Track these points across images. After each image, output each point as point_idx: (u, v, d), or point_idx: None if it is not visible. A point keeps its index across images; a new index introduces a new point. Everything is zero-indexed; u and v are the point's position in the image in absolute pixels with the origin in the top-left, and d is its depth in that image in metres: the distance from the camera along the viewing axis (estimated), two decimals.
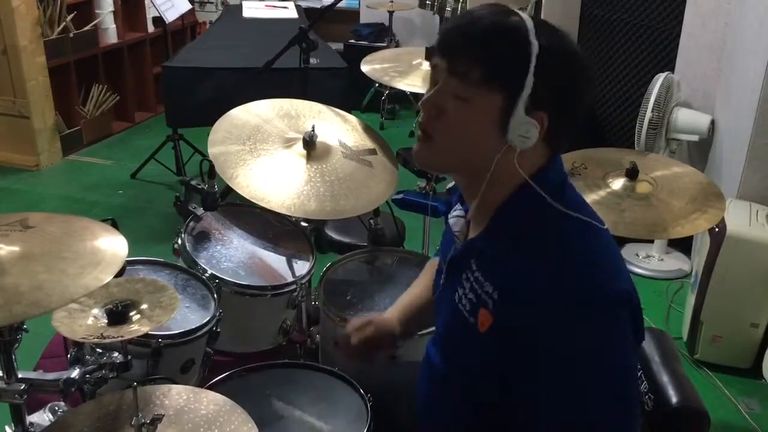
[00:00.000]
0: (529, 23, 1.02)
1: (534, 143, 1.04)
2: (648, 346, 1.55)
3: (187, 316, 1.68)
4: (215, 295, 1.73)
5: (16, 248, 1.24)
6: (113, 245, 1.30)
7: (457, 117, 1.05)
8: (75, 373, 1.35)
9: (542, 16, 4.09)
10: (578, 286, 1.01)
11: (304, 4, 5.42)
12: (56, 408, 1.60)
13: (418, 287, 1.56)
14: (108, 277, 1.21)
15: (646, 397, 1.45)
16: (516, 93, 1.01)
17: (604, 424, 1.03)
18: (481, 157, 1.06)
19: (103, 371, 1.41)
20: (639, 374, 1.50)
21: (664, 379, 1.43)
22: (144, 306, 1.43)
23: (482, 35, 1.02)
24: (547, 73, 1.01)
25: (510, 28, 1.02)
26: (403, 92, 4.86)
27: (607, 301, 1.02)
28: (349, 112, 2.16)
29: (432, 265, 1.58)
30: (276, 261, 1.97)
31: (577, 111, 1.07)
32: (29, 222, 1.33)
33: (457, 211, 1.24)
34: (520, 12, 1.05)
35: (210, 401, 1.28)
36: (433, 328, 1.71)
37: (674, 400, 1.37)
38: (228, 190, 2.00)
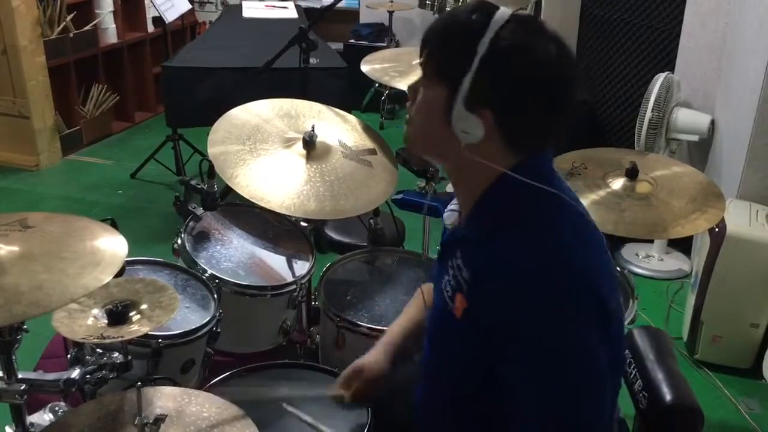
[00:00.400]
0: (495, 23, 1.04)
1: (485, 139, 1.06)
2: (643, 343, 1.55)
3: (187, 316, 1.68)
4: (215, 295, 1.73)
5: (15, 248, 1.24)
6: (113, 245, 1.30)
7: (419, 103, 1.14)
8: (75, 373, 1.35)
9: (542, 16, 4.09)
10: (548, 276, 1.02)
11: (304, 4, 5.42)
12: (56, 408, 1.60)
13: (410, 311, 1.56)
14: (108, 277, 1.21)
15: (640, 395, 1.45)
16: (456, 88, 1.05)
17: (572, 409, 1.04)
18: (440, 145, 1.12)
19: (104, 371, 1.41)
20: (633, 372, 1.50)
21: (659, 376, 1.44)
22: (144, 306, 1.43)
23: (436, 32, 1.11)
24: (494, 73, 1.03)
25: (462, 27, 1.07)
26: (403, 92, 4.81)
27: (577, 292, 1.03)
28: (349, 112, 2.16)
29: (425, 288, 1.57)
30: (276, 261, 1.97)
31: (535, 114, 1.06)
32: (29, 222, 1.33)
33: (452, 205, 1.27)
34: (501, 10, 1.06)
35: (212, 403, 1.29)
36: None
37: (668, 397, 1.38)
38: (228, 190, 2.00)
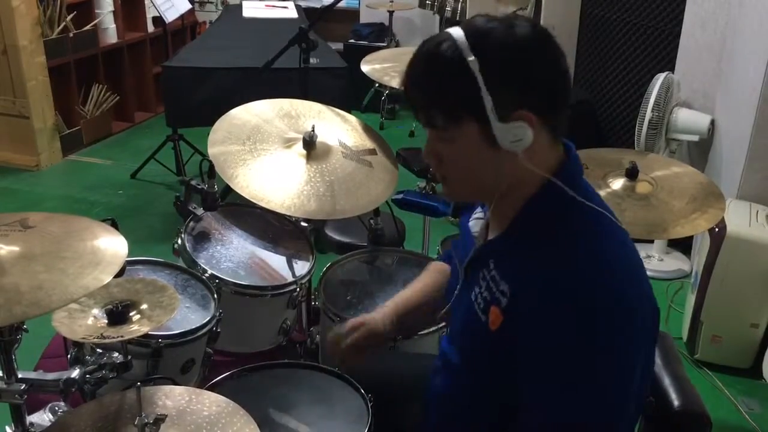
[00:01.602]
0: (461, 41, 1.02)
1: (533, 139, 1.04)
2: None
3: (187, 316, 1.68)
4: (215, 295, 1.73)
5: (16, 248, 1.24)
6: (113, 245, 1.30)
7: (452, 157, 1.10)
8: (75, 373, 1.34)
9: (542, 16, 4.10)
10: (594, 292, 1.00)
11: (304, 4, 5.42)
12: (56, 408, 1.60)
13: (417, 285, 1.56)
14: (108, 278, 1.21)
15: (648, 399, 1.45)
16: (482, 112, 1.02)
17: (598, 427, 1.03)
18: (495, 175, 1.08)
19: (104, 371, 1.40)
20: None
21: (666, 381, 1.43)
22: (144, 306, 1.42)
23: (421, 83, 1.08)
24: (499, 77, 1.02)
25: (441, 61, 1.04)
26: (403, 92, 4.85)
27: (624, 310, 1.01)
28: (349, 112, 2.16)
29: (435, 267, 1.58)
30: (276, 261, 1.97)
31: (551, 84, 1.06)
32: (29, 222, 1.33)
33: (477, 213, 1.25)
34: (450, 31, 1.05)
35: (212, 402, 1.29)
36: (432, 328, 1.73)
37: (676, 403, 1.37)
38: (228, 190, 2.00)
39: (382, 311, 1.50)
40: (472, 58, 1.01)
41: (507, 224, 1.14)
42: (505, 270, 1.10)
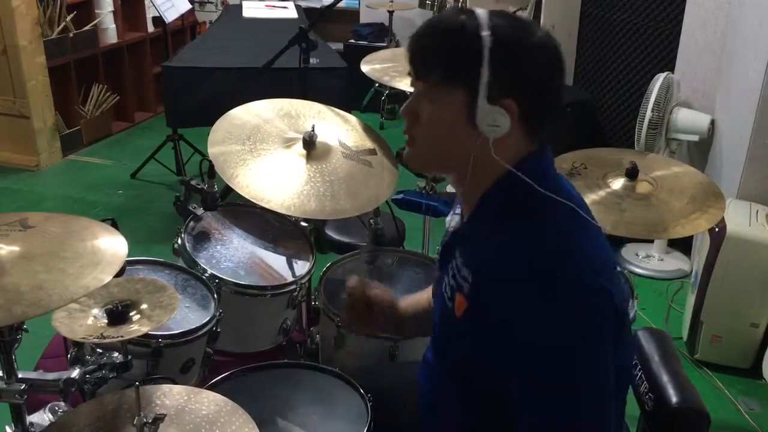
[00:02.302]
0: (482, 18, 1.06)
1: (509, 131, 1.06)
2: (648, 346, 1.55)
3: (187, 316, 1.68)
4: (215, 295, 1.73)
5: (16, 248, 1.24)
6: (113, 245, 1.30)
7: (430, 118, 1.11)
8: (75, 373, 1.35)
9: (542, 16, 4.10)
10: (555, 272, 1.01)
11: (304, 4, 5.42)
12: (56, 408, 1.60)
13: (428, 292, 1.56)
14: (108, 277, 1.21)
15: (646, 397, 1.45)
16: (475, 85, 1.05)
17: (572, 415, 1.03)
18: (461, 152, 1.10)
19: (103, 371, 1.40)
20: (639, 374, 1.50)
21: (664, 379, 1.43)
22: (144, 306, 1.43)
23: (434, 38, 1.10)
24: (503, 61, 1.04)
25: (459, 26, 1.07)
26: (403, 92, 4.84)
27: (586, 290, 1.02)
28: (349, 112, 2.16)
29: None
30: (276, 261, 1.97)
31: (546, 93, 1.09)
32: (29, 222, 1.33)
33: (456, 209, 1.26)
34: (475, 9, 1.09)
35: (211, 401, 1.29)
36: None
37: (674, 400, 1.37)
38: (228, 190, 2.00)
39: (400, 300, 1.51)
40: (486, 33, 1.04)
41: (470, 213, 1.16)
42: (466, 257, 1.12)
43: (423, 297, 1.52)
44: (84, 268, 1.22)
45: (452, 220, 1.26)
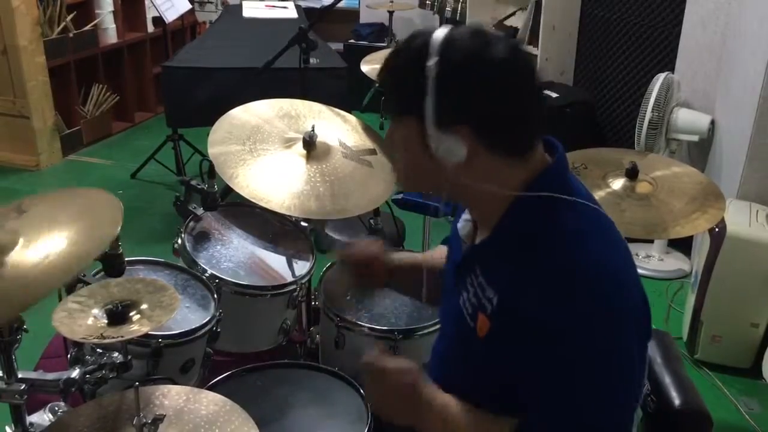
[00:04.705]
0: (435, 43, 1.03)
1: (466, 157, 1.04)
2: (650, 347, 1.54)
3: (187, 316, 1.68)
4: (215, 295, 1.73)
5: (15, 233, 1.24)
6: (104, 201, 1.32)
7: (399, 145, 1.13)
8: (75, 373, 1.34)
9: (542, 16, 4.09)
10: (582, 297, 1.00)
11: (304, 4, 5.42)
12: (56, 408, 1.59)
13: (428, 255, 1.57)
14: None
15: (648, 399, 1.45)
16: (423, 114, 1.04)
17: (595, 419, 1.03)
18: (440, 178, 1.09)
19: (103, 371, 1.40)
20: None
21: (666, 380, 1.43)
22: (144, 306, 1.42)
23: (387, 70, 1.11)
24: (452, 89, 1.02)
25: (405, 57, 1.07)
26: None
27: (613, 312, 1.01)
28: (349, 112, 2.16)
29: (444, 249, 1.58)
30: (276, 261, 1.97)
31: (509, 112, 1.05)
32: (23, 206, 1.33)
33: (465, 215, 1.25)
34: (439, 29, 1.06)
35: (210, 401, 1.29)
36: (432, 329, 1.73)
37: (677, 402, 1.37)
38: (228, 190, 2.00)
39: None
40: (432, 61, 1.02)
41: (490, 230, 1.14)
42: (490, 276, 1.11)
43: (414, 256, 1.56)
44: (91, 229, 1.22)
45: (464, 227, 1.24)
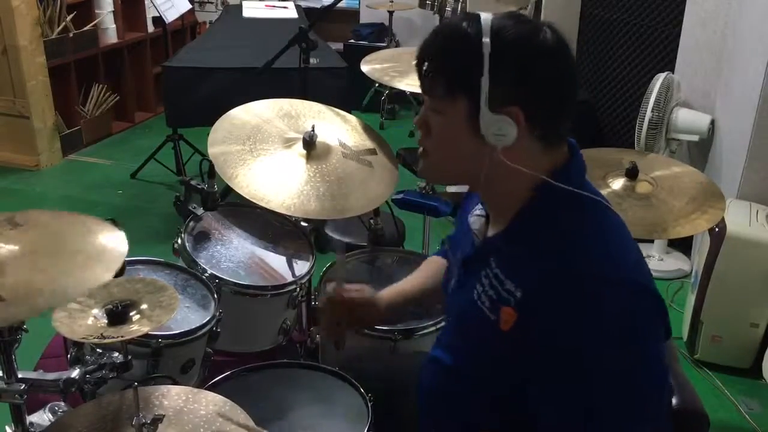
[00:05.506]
0: (485, 24, 1.04)
1: (515, 139, 1.05)
2: None
3: (187, 316, 1.68)
4: (215, 295, 1.73)
5: (11, 247, 1.23)
6: (111, 242, 1.31)
7: (439, 130, 1.12)
8: (75, 373, 1.34)
9: (542, 16, 4.10)
10: (604, 284, 1.01)
11: (304, 4, 5.42)
12: (56, 408, 1.60)
13: (413, 280, 1.57)
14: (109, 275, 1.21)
15: None
16: (477, 94, 1.04)
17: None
18: (473, 163, 1.09)
19: (103, 371, 1.40)
20: None
21: None
22: (144, 306, 1.42)
23: (434, 49, 1.10)
24: (505, 68, 1.03)
25: (459, 35, 1.06)
26: (403, 92, 4.86)
27: (638, 297, 1.04)
28: (349, 112, 2.16)
29: (431, 261, 1.58)
30: (276, 261, 1.97)
31: (554, 98, 1.07)
32: (16, 219, 1.32)
33: (477, 210, 1.25)
34: (481, 14, 1.07)
35: (210, 401, 1.28)
36: (432, 328, 1.73)
37: (674, 402, 1.37)
38: (228, 190, 2.00)
39: (380, 294, 1.52)
40: (487, 40, 1.03)
41: (506, 222, 1.14)
42: (509, 269, 1.10)
43: (404, 288, 1.55)
44: (84, 263, 1.21)
45: (476, 221, 1.23)
